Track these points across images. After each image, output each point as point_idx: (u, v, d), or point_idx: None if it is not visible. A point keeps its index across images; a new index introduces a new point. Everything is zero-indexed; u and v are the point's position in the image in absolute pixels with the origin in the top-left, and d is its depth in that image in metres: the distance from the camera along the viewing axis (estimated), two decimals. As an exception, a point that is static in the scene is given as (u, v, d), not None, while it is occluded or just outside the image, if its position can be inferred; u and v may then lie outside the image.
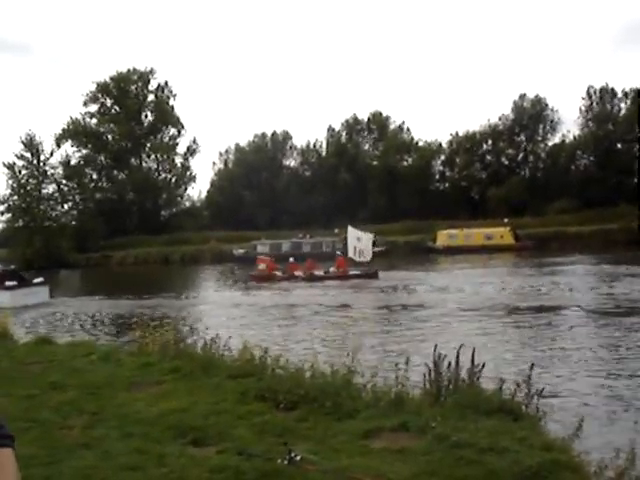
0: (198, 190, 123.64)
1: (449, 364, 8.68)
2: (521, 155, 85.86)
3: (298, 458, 6.52)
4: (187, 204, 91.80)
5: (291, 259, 41.58)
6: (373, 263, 39.73)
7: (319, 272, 38.71)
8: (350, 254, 39.67)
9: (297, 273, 38.98)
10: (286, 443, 6.89)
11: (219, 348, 12.24)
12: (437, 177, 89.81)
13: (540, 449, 6.65)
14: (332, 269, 38.99)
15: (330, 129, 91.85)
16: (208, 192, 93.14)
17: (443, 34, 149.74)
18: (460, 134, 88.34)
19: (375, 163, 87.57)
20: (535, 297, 26.95)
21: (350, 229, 41.09)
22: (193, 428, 7.93)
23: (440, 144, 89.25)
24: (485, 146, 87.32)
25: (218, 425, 8.14)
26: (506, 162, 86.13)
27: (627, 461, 6.32)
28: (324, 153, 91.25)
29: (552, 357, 15.25)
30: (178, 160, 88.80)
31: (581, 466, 6.55)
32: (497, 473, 6.07)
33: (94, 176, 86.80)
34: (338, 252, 41.93)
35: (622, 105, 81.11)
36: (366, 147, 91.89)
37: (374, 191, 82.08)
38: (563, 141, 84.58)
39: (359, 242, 39.62)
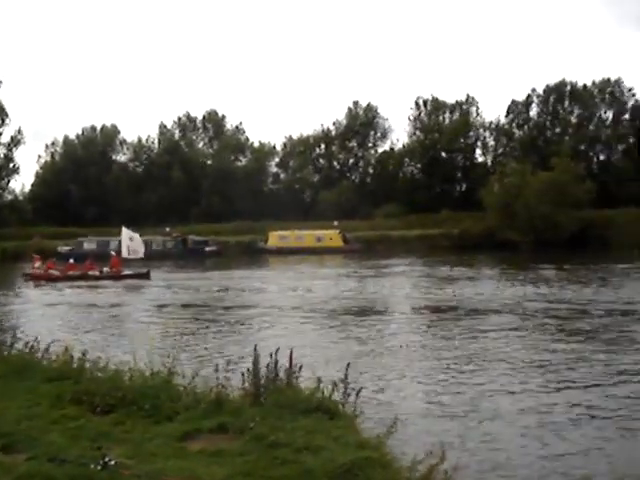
0: (21, 183, 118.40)
1: (268, 364, 8.71)
2: (352, 160, 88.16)
3: (112, 463, 6.29)
4: (9, 197, 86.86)
5: (71, 260, 41.36)
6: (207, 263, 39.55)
7: (94, 272, 38.56)
8: (124, 254, 40.00)
9: (71, 273, 38.75)
10: (100, 448, 6.64)
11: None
12: (271, 179, 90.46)
13: (354, 447, 6.79)
14: (106, 269, 38.97)
15: (162, 126, 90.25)
16: (33, 186, 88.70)
17: (279, 36, 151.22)
18: (294, 137, 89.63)
19: (209, 162, 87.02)
20: (361, 298, 27.67)
21: (124, 229, 41.49)
22: (2, 434, 7.47)
23: (274, 146, 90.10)
24: (318, 150, 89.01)
25: (30, 430, 7.71)
26: (338, 166, 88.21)
27: (438, 457, 6.57)
28: (156, 150, 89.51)
29: (374, 357, 15.65)
30: (0, 151, 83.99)
31: (392, 463, 6.74)
32: (312, 472, 6.13)
33: None
34: (112, 252, 41.81)
35: (447, 116, 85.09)
36: (200, 146, 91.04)
37: (208, 190, 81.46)
38: (392, 148, 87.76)
39: (132, 242, 40.68)
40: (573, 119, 79.28)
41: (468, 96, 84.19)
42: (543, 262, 40.04)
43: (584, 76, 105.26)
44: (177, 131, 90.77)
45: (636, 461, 8.75)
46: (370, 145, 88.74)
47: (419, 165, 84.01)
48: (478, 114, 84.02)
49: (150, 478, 6.06)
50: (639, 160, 72.41)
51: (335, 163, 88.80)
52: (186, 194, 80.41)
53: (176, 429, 7.69)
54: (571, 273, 35.32)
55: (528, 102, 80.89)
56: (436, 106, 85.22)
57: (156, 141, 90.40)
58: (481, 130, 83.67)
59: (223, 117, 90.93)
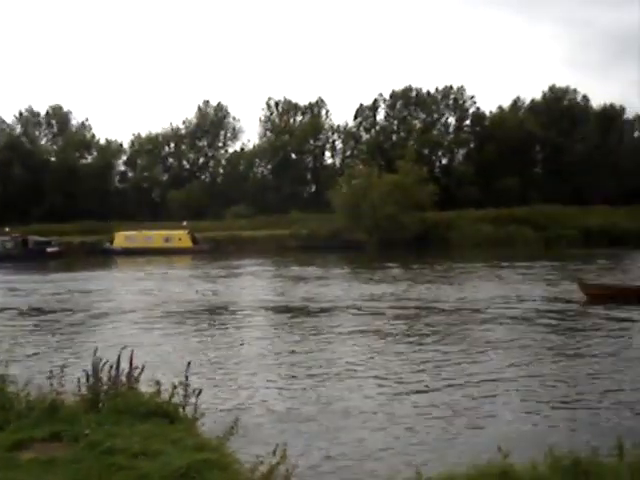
0: None
1: (109, 369, 8.47)
2: (202, 160, 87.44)
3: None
4: None
5: None
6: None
7: None
8: None
9: None
10: None
11: None
12: (118, 177, 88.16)
13: (193, 450, 6.72)
14: None
15: (0, 120, 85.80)
16: None
17: (127, 30, 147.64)
18: (143, 135, 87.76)
19: (53, 159, 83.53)
20: (210, 299, 27.44)
21: None
22: None
23: (122, 144, 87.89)
24: (167, 149, 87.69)
25: None
26: (187, 166, 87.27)
27: (279, 457, 6.61)
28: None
29: (220, 358, 15.56)
30: None
31: (232, 464, 6.73)
32: (147, 477, 6.02)
33: None
34: None
35: (298, 118, 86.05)
36: (44, 142, 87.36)
37: (51, 189, 78.02)
38: (243, 149, 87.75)
39: None
40: (418, 124, 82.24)
41: (319, 99, 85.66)
42: (389, 261, 41.31)
43: (429, 83, 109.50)
44: (18, 126, 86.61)
45: (469, 453, 9.14)
46: (220, 145, 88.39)
47: (269, 166, 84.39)
48: (328, 117, 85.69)
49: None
50: (478, 164, 76.09)
51: (185, 162, 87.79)
52: (27, 192, 76.59)
53: (6, 438, 7.33)
54: (417, 272, 36.70)
55: (375, 107, 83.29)
56: (287, 108, 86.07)
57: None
58: (330, 133, 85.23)
59: (68, 113, 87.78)
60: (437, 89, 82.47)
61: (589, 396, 12.02)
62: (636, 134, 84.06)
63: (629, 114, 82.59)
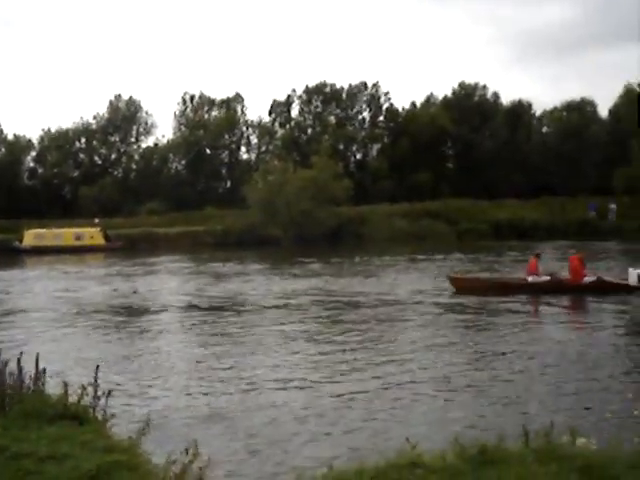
0: None
1: (17, 371, 8.27)
2: (114, 155, 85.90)
3: None
4: None
5: None
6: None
7: None
8: None
9: None
10: None
11: None
12: (27, 174, 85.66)
13: (102, 452, 6.65)
14: None
15: None
16: None
17: (34, 22, 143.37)
18: (52, 130, 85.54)
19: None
20: (123, 298, 27.00)
21: None
22: None
23: (30, 140, 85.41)
24: (78, 144, 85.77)
25: None
26: (99, 161, 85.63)
27: (191, 455, 6.60)
28: None
29: (132, 358, 15.34)
30: None
31: (143, 464, 6.69)
32: (55, 481, 5.96)
33: None
34: None
35: (214, 113, 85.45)
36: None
37: (-47, 185, 75.05)
38: (157, 144, 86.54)
39: None
40: (333, 119, 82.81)
41: (236, 94, 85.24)
42: (306, 256, 41.52)
43: (343, 79, 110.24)
44: None
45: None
46: (133, 140, 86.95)
47: (184, 161, 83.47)
48: (244, 112, 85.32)
49: None
50: (392, 159, 77.16)
51: (96, 158, 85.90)
52: None
53: None
54: (334, 266, 37.09)
55: (289, 102, 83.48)
56: (202, 102, 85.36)
57: None
58: (245, 128, 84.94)
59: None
60: (352, 85, 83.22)
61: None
62: (544, 130, 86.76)
63: (537, 110, 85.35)
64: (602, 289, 23.43)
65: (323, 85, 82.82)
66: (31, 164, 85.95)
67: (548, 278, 24.48)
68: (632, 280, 23.56)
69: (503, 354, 14.90)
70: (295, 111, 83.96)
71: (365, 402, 11.49)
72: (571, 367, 13.64)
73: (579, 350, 15.20)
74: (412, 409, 11.11)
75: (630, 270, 24.15)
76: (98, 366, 8.39)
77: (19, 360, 8.20)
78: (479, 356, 14.82)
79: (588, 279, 23.98)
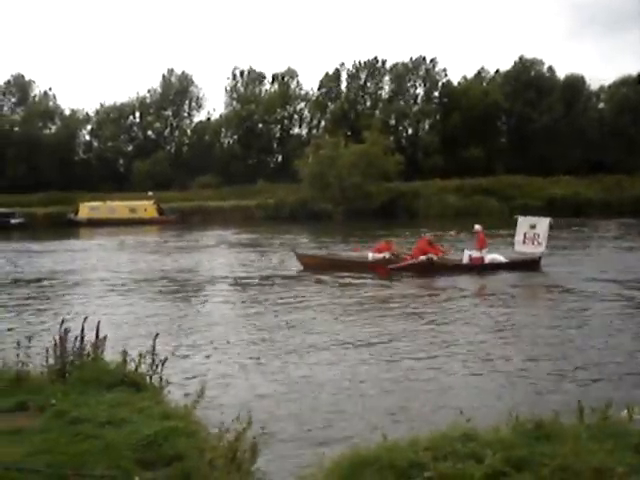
0: None
1: (75, 338, 8.45)
2: (167, 130, 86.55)
3: None
4: None
5: None
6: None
7: None
8: None
9: None
10: None
11: None
12: (83, 147, 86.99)
13: (159, 418, 6.76)
14: None
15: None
16: None
17: (96, 2, 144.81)
18: (108, 105, 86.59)
19: (16, 129, 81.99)
20: (176, 270, 27.29)
21: None
22: None
23: (87, 114, 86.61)
24: (132, 118, 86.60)
25: None
26: (153, 136, 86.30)
27: (245, 423, 6.67)
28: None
29: (186, 328, 15.53)
30: None
31: (198, 432, 6.79)
32: (114, 445, 6.07)
33: None
34: None
35: (266, 87, 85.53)
36: (5, 111, 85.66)
37: (13, 159, 76.60)
38: (209, 119, 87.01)
39: None
40: (384, 94, 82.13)
41: (289, 68, 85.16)
42: (356, 230, 41.43)
43: (396, 53, 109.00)
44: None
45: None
46: (185, 115, 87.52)
47: (235, 136, 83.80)
48: (299, 86, 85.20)
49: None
50: (444, 134, 76.37)
51: (150, 132, 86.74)
52: (-11, 163, 75.28)
53: (-29, 410, 7.32)
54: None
55: (338, 76, 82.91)
56: (254, 77, 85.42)
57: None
58: (297, 102, 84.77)
59: (30, 82, 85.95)
60: (411, 59, 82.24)
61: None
62: (600, 105, 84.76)
63: (594, 86, 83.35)
64: (435, 268, 23.84)
65: (374, 60, 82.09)
66: (87, 138, 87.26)
67: (385, 256, 24.70)
68: (465, 260, 24.52)
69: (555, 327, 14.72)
70: (344, 85, 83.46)
71: (422, 375, 11.46)
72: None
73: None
74: (466, 383, 11.05)
75: (465, 251, 25.04)
76: (157, 334, 8.54)
77: (82, 329, 8.39)
78: (535, 332, 14.65)
79: (422, 258, 24.27)
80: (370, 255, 25.05)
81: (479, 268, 23.90)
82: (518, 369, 11.76)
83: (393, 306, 18.21)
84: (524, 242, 24.97)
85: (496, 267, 23.98)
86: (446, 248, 26.15)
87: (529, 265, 24.24)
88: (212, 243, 40.22)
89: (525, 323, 15.59)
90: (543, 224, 24.73)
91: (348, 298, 19.52)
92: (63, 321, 8.69)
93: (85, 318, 8.72)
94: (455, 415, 6.89)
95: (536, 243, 24.59)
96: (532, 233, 24.69)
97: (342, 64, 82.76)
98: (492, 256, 24.48)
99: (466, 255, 24.61)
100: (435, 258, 24.17)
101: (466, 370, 11.73)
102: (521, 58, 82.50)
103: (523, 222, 25.25)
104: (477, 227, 25.03)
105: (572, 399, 8.31)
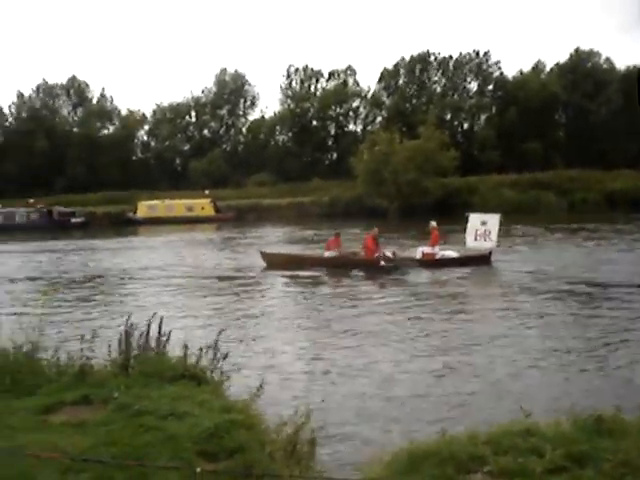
0: None
1: (140, 334, 8.61)
2: (223, 128, 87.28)
3: (-31, 440, 6.12)
4: None
5: None
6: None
7: None
8: None
9: None
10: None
11: None
12: (140, 147, 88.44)
13: (219, 411, 6.86)
14: None
15: (19, 94, 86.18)
16: None
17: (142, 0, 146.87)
18: (164, 105, 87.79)
19: (75, 130, 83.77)
20: (232, 266, 27.58)
21: None
22: None
23: (144, 114, 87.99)
24: (188, 118, 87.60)
25: None
26: (208, 135, 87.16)
27: (304, 416, 6.72)
28: (10, 118, 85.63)
29: (245, 324, 15.72)
30: None
31: (259, 424, 6.87)
32: (176, 437, 6.18)
33: None
34: None
35: (320, 86, 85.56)
36: (65, 113, 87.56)
37: (73, 159, 78.48)
38: (263, 117, 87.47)
39: None
40: (438, 88, 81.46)
41: (348, 66, 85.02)
42: (412, 226, 41.11)
43: (449, 47, 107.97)
44: (37, 99, 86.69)
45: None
46: (240, 113, 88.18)
47: (290, 134, 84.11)
48: (356, 82, 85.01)
49: (11, 453, 5.92)
50: (500, 129, 75.38)
51: (206, 131, 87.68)
52: (50, 164, 77.05)
53: (38, 402, 7.50)
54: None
55: (396, 71, 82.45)
56: (309, 74, 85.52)
57: (14, 110, 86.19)
58: (353, 98, 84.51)
59: (87, 84, 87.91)
60: (460, 54, 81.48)
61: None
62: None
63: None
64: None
65: (426, 54, 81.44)
66: (144, 138, 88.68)
67: (337, 254, 25.19)
68: (418, 256, 24.94)
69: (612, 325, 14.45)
70: (402, 80, 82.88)
71: (479, 371, 11.39)
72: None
73: None
74: (527, 378, 10.94)
75: (418, 248, 25.46)
76: (221, 330, 8.69)
77: (149, 324, 8.57)
78: (596, 328, 14.41)
79: (330, 254, 25.25)
80: (327, 253, 25.70)
81: (431, 264, 24.32)
82: (568, 364, 11.63)
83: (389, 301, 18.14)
84: (476, 238, 25.34)
85: (448, 262, 24.46)
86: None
87: (480, 260, 24.64)
88: (270, 240, 40.34)
89: (531, 315, 15.36)
90: (494, 220, 25.14)
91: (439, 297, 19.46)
92: (129, 316, 8.85)
93: (154, 314, 8.88)
94: (514, 411, 6.83)
95: (487, 239, 24.99)
96: (483, 229, 25.13)
97: (402, 58, 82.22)
98: (444, 252, 25.09)
99: (419, 251, 25.07)
100: (389, 255, 24.54)
101: (513, 368, 11.61)
102: (577, 50, 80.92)
103: (474, 219, 25.63)
104: (432, 224, 25.46)
105: (629, 394, 8.20)
